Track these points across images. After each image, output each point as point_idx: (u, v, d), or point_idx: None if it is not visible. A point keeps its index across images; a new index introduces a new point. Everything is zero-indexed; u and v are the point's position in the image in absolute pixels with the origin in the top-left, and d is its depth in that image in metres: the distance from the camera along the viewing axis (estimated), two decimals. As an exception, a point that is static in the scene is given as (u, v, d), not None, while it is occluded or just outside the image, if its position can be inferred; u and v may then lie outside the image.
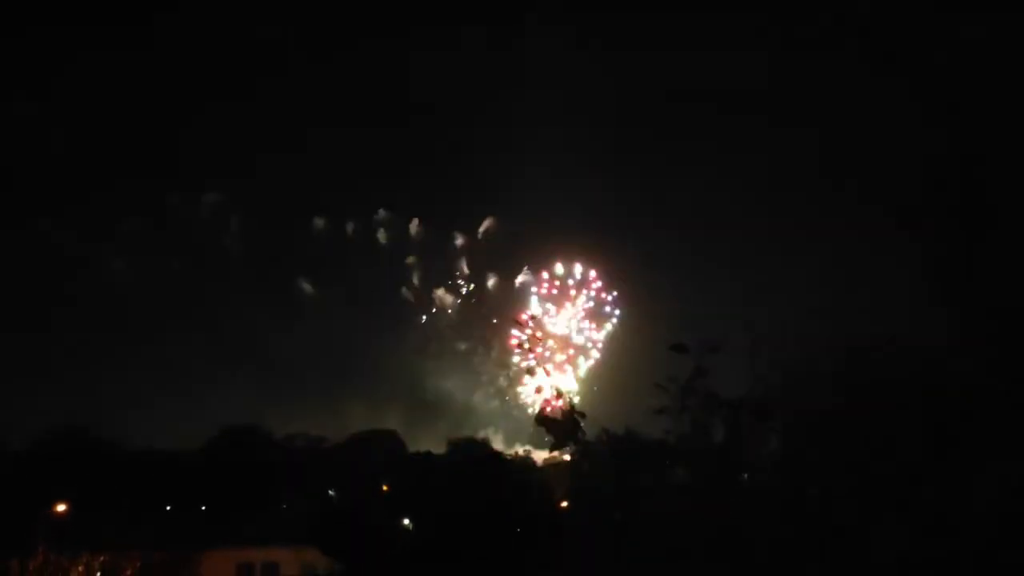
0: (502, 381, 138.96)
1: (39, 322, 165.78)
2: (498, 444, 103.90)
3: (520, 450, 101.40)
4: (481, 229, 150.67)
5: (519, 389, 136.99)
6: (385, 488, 77.61)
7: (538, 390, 6.59)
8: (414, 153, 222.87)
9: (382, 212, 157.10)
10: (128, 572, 37.18)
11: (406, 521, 67.06)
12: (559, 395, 6.76)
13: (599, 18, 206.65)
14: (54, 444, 72.15)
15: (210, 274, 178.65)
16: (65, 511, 55.81)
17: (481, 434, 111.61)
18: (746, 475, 7.24)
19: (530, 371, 6.59)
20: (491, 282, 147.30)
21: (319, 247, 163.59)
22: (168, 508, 68.58)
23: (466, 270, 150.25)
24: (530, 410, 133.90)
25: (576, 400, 7.11)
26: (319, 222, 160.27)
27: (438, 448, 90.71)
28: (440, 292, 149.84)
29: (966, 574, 6.02)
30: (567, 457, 7.24)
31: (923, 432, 6.37)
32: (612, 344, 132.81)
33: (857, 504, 6.34)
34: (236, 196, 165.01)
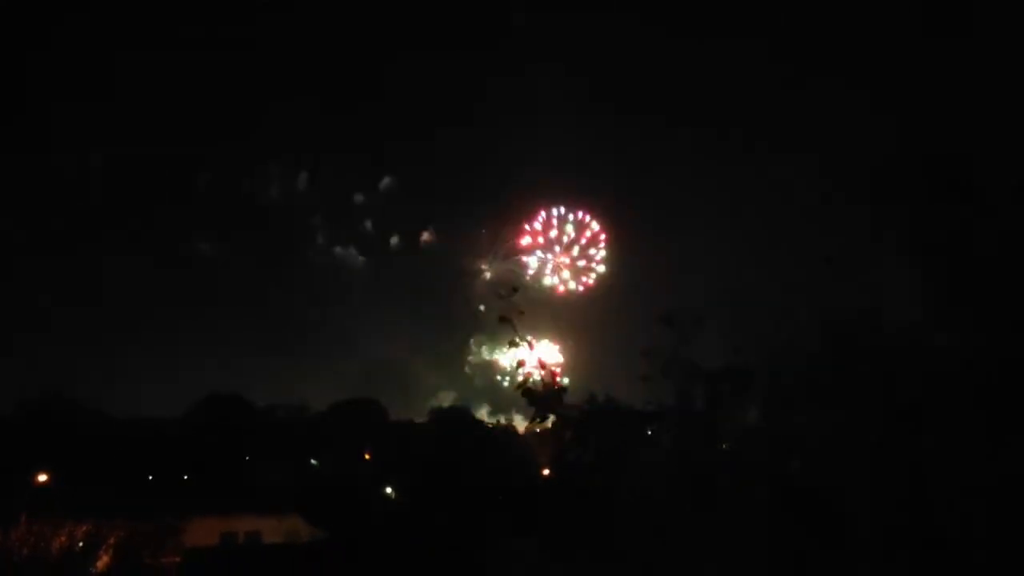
0: (459, 345, 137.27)
1: (18, 288, 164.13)
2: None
3: (502, 418, 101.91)
4: (381, 186, 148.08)
5: (469, 357, 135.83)
6: (367, 456, 77.88)
7: (520, 363, 6.60)
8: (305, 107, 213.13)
9: (272, 166, 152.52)
10: (111, 541, 37.17)
11: (388, 489, 67.45)
12: (542, 366, 6.80)
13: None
14: (36, 412, 71.82)
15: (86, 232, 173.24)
16: (47, 480, 55.72)
17: (431, 402, 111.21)
18: (725, 445, 7.35)
19: (513, 343, 6.60)
20: (393, 240, 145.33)
21: (207, 204, 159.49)
22: (150, 477, 68.53)
23: (370, 228, 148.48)
24: (476, 377, 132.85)
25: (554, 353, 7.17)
26: (204, 177, 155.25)
27: (410, 415, 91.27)
28: (350, 251, 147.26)
29: (940, 547, 6.16)
30: (549, 425, 7.30)
31: (900, 406, 6.49)
32: (596, 305, 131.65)
33: (834, 477, 6.46)
34: (118, 152, 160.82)
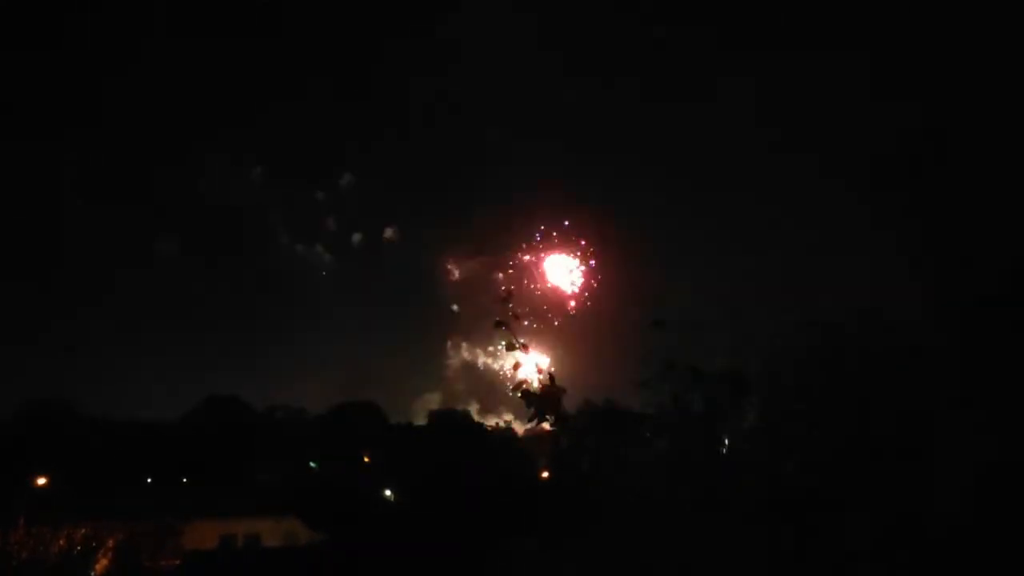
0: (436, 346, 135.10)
1: (16, 290, 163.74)
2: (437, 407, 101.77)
3: (501, 421, 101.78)
4: (342, 183, 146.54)
5: (448, 359, 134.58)
6: (366, 459, 77.87)
7: (516, 366, 6.60)
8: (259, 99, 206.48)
9: (229, 162, 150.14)
10: (110, 544, 37.13)
11: (387, 492, 67.42)
12: (539, 369, 6.81)
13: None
14: (35, 415, 71.84)
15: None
16: (46, 482, 55.67)
17: (417, 404, 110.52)
18: (723, 448, 7.36)
19: (511, 346, 6.60)
20: (355, 238, 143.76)
21: (164, 202, 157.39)
22: (149, 480, 68.55)
23: (333, 227, 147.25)
24: (456, 377, 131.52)
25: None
26: (160, 172, 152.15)
27: (396, 417, 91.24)
28: (315, 250, 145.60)
29: (935, 545, 6.17)
30: (547, 427, 7.30)
31: (896, 406, 6.50)
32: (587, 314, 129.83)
33: (831, 477, 6.48)
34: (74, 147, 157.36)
